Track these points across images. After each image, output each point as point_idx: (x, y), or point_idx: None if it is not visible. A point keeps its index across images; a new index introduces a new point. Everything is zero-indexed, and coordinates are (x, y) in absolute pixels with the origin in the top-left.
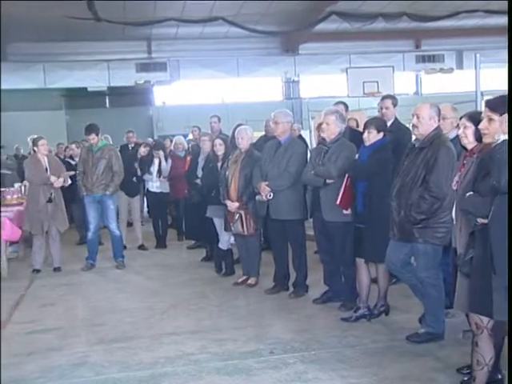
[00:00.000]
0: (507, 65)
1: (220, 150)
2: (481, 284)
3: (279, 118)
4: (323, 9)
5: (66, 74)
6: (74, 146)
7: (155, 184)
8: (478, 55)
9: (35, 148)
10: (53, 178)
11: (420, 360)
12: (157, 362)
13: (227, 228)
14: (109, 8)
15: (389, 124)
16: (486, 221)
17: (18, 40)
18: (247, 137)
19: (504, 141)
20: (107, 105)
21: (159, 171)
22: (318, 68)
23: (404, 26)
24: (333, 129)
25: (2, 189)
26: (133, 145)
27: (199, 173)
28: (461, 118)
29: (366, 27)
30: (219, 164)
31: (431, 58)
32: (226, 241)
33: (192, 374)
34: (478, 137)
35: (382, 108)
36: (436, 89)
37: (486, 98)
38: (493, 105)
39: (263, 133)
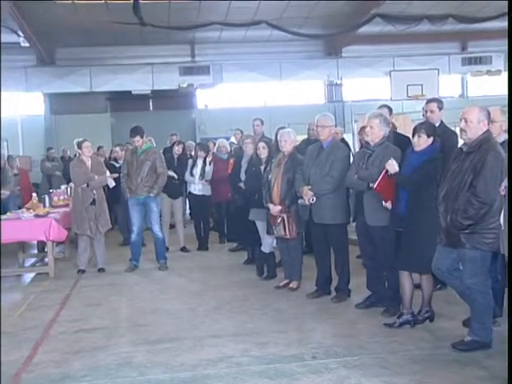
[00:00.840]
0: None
1: (263, 153)
2: None
3: (324, 121)
4: (367, 11)
5: (111, 77)
6: (118, 148)
7: (197, 187)
8: None
9: (79, 151)
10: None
11: (466, 369)
12: (199, 363)
13: (269, 231)
14: (154, 12)
15: None
16: None
17: (66, 45)
18: (290, 140)
19: None
20: (151, 108)
21: (202, 174)
22: (361, 71)
23: (450, 27)
24: (377, 132)
25: (50, 190)
26: None
27: (242, 176)
28: None
29: (410, 29)
30: (262, 167)
31: (478, 60)
32: (268, 244)
33: (234, 377)
34: None
35: (426, 111)
36: (482, 91)
37: None
38: None
39: (305, 136)
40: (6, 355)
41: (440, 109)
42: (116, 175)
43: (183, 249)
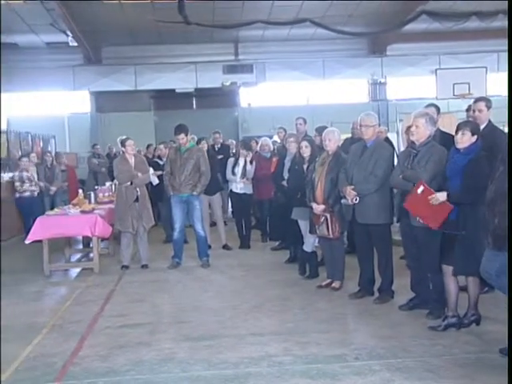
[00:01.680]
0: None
1: (306, 152)
2: None
3: (368, 121)
4: (413, 9)
5: (155, 76)
6: (162, 146)
7: (239, 185)
8: None
9: (123, 148)
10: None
11: None
12: (241, 361)
13: (312, 230)
14: (198, 11)
15: (482, 127)
16: None
17: (112, 44)
18: (335, 139)
19: None
20: (194, 106)
21: (243, 173)
22: (405, 69)
23: (499, 24)
24: (422, 132)
25: (96, 187)
26: (219, 145)
27: (285, 174)
28: None
29: (457, 26)
30: (305, 166)
31: None
32: (310, 243)
33: (276, 376)
34: None
35: (474, 111)
36: None
37: None
38: None
39: (349, 135)
40: (53, 347)
41: (488, 108)
42: (160, 173)
43: (225, 247)
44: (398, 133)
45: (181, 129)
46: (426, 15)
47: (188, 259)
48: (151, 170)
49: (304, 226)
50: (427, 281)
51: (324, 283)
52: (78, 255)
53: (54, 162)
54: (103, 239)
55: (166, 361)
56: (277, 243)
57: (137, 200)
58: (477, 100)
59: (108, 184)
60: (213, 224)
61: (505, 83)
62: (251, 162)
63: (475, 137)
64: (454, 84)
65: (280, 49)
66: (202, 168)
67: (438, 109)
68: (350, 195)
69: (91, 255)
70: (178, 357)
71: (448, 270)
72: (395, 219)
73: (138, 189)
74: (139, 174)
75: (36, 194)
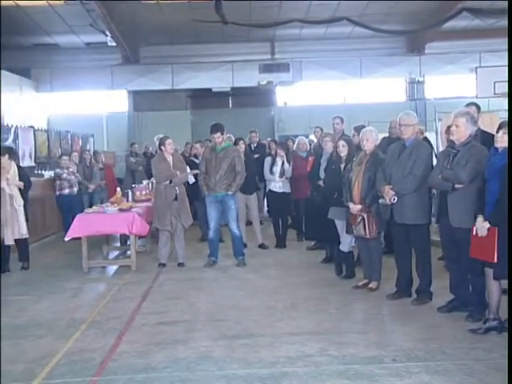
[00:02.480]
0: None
1: (343, 152)
2: None
3: (408, 120)
4: (451, 6)
5: (192, 75)
6: (198, 145)
7: (277, 184)
8: None
9: (162, 147)
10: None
11: None
12: (277, 361)
13: (349, 230)
14: (235, 11)
15: None
16: None
17: (149, 44)
18: (372, 138)
19: None
20: (230, 105)
21: (281, 172)
22: (444, 68)
23: None
24: (463, 131)
25: (133, 185)
26: (255, 145)
27: (321, 174)
28: None
29: (498, 23)
30: (342, 165)
31: None
32: (347, 243)
33: (312, 376)
34: None
35: None
36: None
37: None
38: None
39: (386, 134)
40: (92, 343)
41: None
42: (196, 171)
43: (261, 246)
44: (436, 132)
45: (217, 128)
46: (467, 12)
47: (224, 258)
48: (187, 169)
49: (341, 225)
50: (467, 282)
51: (361, 283)
52: (116, 252)
53: (92, 160)
54: (140, 237)
55: (202, 359)
56: (312, 243)
57: (176, 199)
58: None
59: (145, 182)
60: (249, 223)
61: None
62: (288, 162)
63: None
64: (494, 82)
65: (316, 47)
66: (238, 168)
67: (479, 108)
68: (389, 195)
69: (128, 253)
70: (214, 355)
71: (491, 272)
72: (434, 220)
73: (176, 187)
74: (178, 173)
75: (75, 191)
